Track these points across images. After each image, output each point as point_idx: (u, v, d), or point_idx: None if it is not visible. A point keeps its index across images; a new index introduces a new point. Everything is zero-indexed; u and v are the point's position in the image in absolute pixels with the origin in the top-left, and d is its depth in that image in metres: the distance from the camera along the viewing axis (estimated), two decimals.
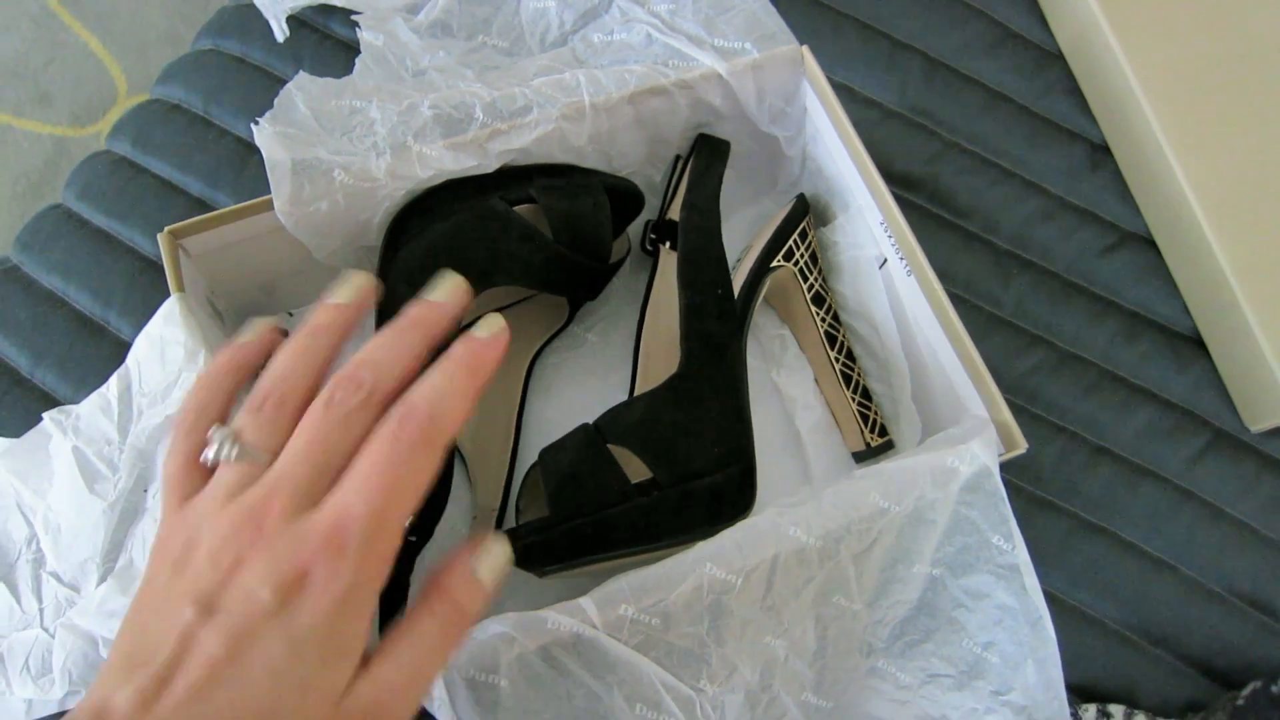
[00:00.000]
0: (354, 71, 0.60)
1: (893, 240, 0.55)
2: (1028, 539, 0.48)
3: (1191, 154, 0.64)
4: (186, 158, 0.67)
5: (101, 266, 0.64)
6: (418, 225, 0.54)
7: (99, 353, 0.62)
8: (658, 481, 0.50)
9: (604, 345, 0.63)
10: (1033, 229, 0.67)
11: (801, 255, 0.60)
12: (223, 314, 0.58)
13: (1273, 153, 0.64)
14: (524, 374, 0.61)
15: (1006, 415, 0.50)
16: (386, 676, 0.34)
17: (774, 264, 0.59)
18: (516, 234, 0.54)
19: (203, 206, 0.66)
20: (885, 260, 0.57)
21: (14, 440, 0.56)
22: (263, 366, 0.38)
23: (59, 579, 0.53)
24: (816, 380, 0.62)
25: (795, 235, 0.60)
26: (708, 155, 0.60)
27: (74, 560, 0.53)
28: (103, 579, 0.52)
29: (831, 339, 0.60)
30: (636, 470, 0.50)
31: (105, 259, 0.65)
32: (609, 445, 0.50)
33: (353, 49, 0.71)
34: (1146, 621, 0.59)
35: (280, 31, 0.70)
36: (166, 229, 0.52)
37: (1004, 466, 0.48)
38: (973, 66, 0.72)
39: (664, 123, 0.59)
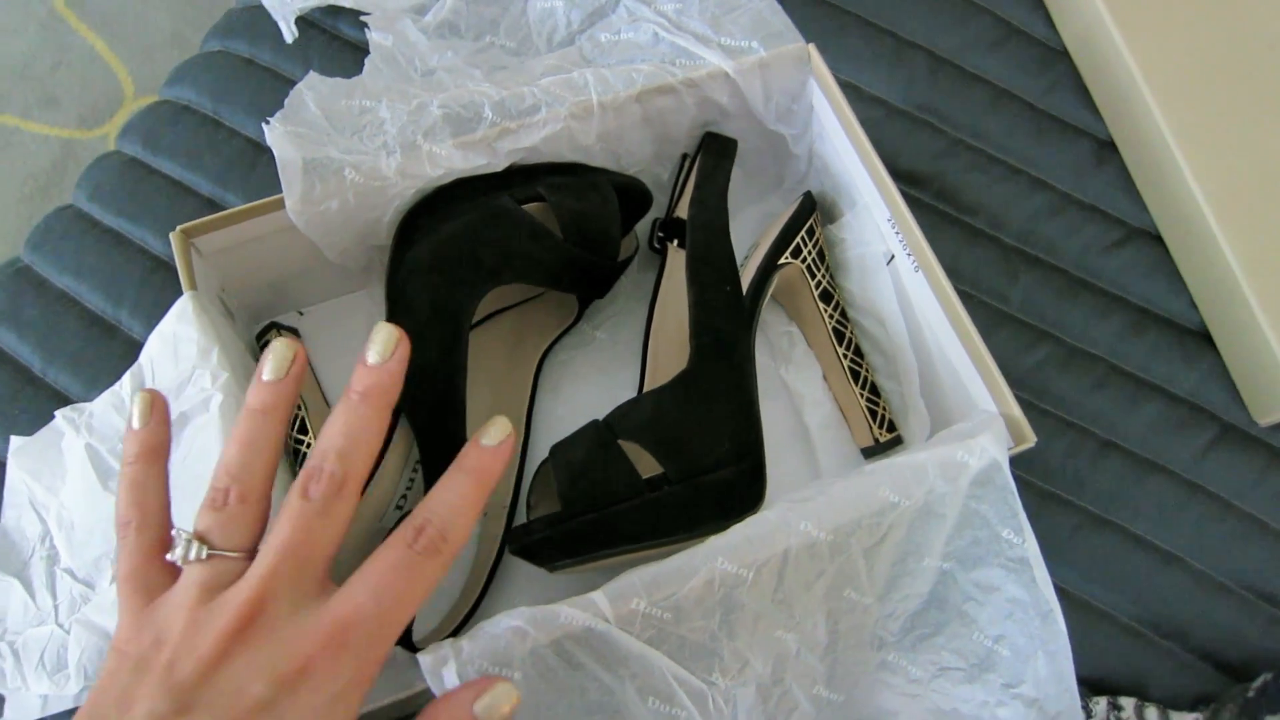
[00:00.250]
0: (363, 72, 0.60)
1: (900, 237, 0.55)
2: (1037, 533, 0.48)
3: (1197, 149, 0.64)
4: (196, 158, 0.68)
5: (113, 266, 0.65)
6: (428, 224, 0.54)
7: (111, 352, 0.62)
8: (668, 476, 0.50)
9: (613, 343, 0.63)
10: (1039, 225, 0.67)
11: (809, 252, 0.60)
12: (233, 313, 0.58)
13: (1279, 147, 0.65)
14: (533, 372, 0.61)
15: (1015, 409, 0.50)
16: None
17: (781, 261, 0.59)
18: (526, 232, 0.54)
19: (213, 206, 0.66)
20: (893, 257, 0.57)
21: (27, 439, 0.57)
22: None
23: (73, 575, 0.54)
24: (825, 377, 0.62)
25: (803, 232, 0.60)
26: (715, 153, 0.60)
27: (88, 557, 0.54)
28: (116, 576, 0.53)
29: (839, 335, 0.60)
30: (647, 466, 0.51)
31: (116, 259, 0.65)
32: (619, 441, 0.51)
33: (361, 50, 0.71)
34: (1156, 615, 0.59)
35: (289, 33, 0.70)
36: (179, 228, 0.52)
37: (1013, 461, 0.48)
38: (978, 64, 0.72)
39: (671, 121, 0.59)
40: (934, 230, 0.54)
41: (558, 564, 0.50)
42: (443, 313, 0.53)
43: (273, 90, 0.70)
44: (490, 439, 0.39)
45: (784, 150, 0.63)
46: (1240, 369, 0.64)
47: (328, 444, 0.36)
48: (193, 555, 0.35)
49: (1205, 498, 0.61)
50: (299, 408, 0.56)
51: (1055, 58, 0.73)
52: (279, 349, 0.38)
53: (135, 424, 0.39)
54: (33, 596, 0.55)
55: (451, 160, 0.53)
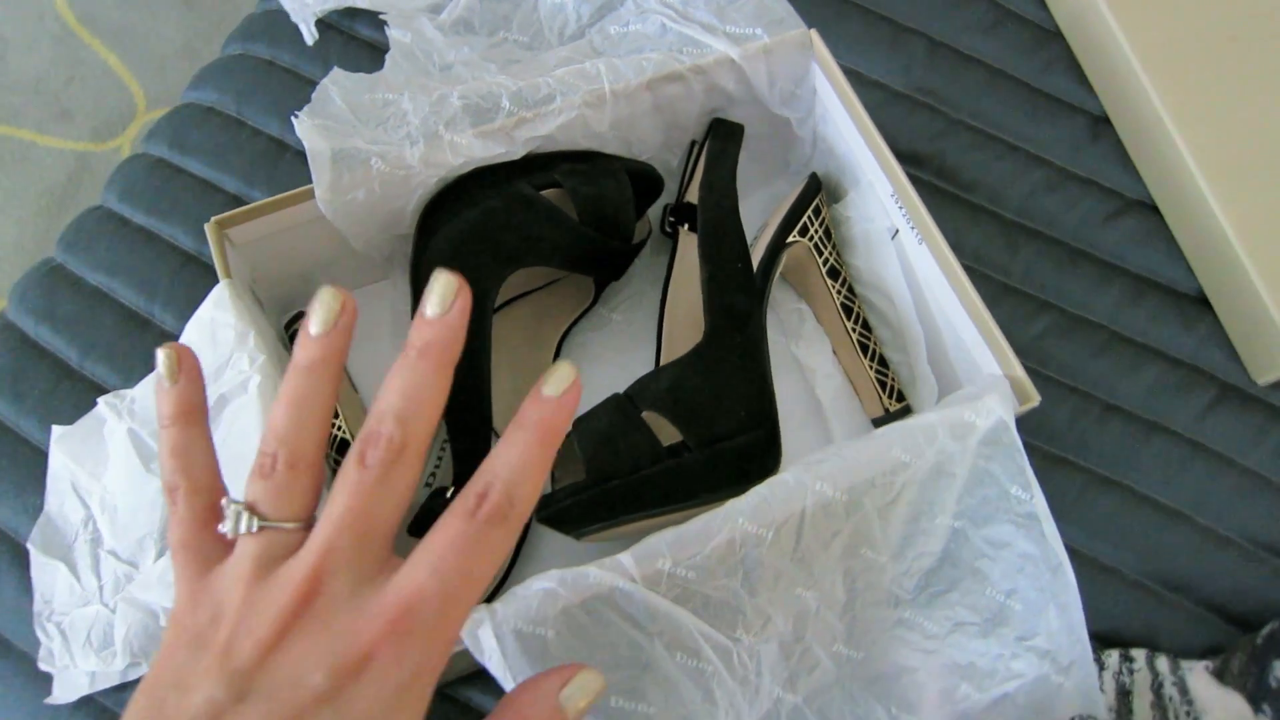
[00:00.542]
0: (385, 67, 0.63)
1: (903, 211, 0.57)
2: (1045, 495, 0.49)
3: (1189, 121, 0.66)
4: (222, 157, 0.70)
5: (144, 262, 0.67)
6: (450, 211, 0.56)
7: (145, 344, 0.64)
8: (687, 444, 0.52)
9: (628, 324, 0.65)
10: (1038, 200, 0.70)
11: (816, 231, 0.62)
12: (263, 302, 0.60)
13: (1269, 115, 0.67)
14: (553, 354, 0.63)
15: (1019, 371, 0.52)
16: None
17: (789, 239, 0.61)
18: (544, 217, 0.56)
19: (239, 203, 0.68)
20: (897, 231, 0.59)
21: (69, 427, 0.59)
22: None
23: (117, 556, 0.56)
24: (834, 351, 0.64)
25: (809, 212, 0.62)
26: (723, 137, 0.62)
27: (132, 537, 0.56)
28: (161, 554, 0.55)
29: (848, 310, 0.63)
30: (667, 435, 0.53)
31: (148, 255, 0.67)
32: (640, 411, 0.53)
33: (377, 49, 0.74)
34: (1164, 570, 0.61)
35: (310, 35, 0.73)
36: (213, 219, 0.54)
37: (1019, 425, 0.50)
38: (974, 46, 0.75)
39: (680, 108, 0.61)
40: (936, 208, 0.56)
41: (584, 530, 0.52)
42: None
43: (294, 90, 0.73)
44: (552, 388, 0.34)
45: (789, 134, 0.65)
46: (1238, 331, 0.66)
47: (385, 406, 0.33)
48: (243, 528, 0.33)
49: (1207, 456, 0.63)
50: None
51: (1048, 38, 0.75)
52: (326, 298, 0.35)
53: (165, 382, 0.36)
54: (78, 578, 0.57)
55: (472, 149, 0.55)
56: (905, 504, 0.50)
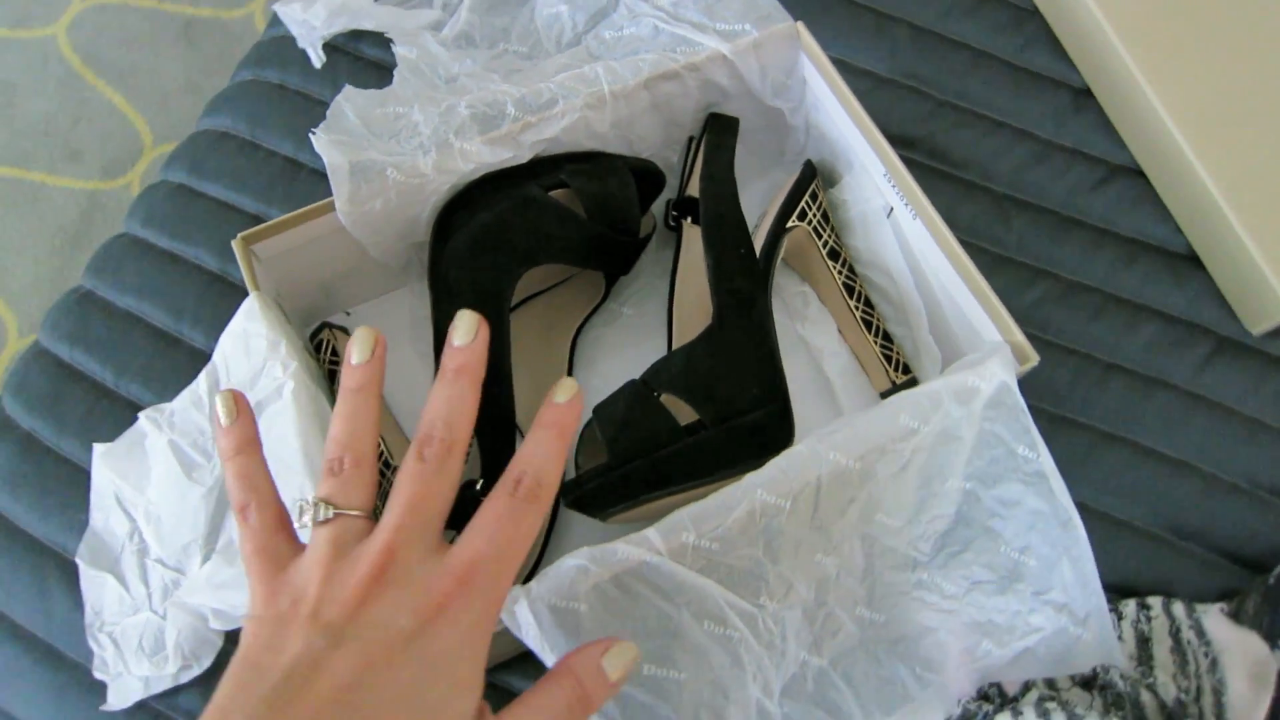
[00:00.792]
0: (393, 82, 0.65)
1: (896, 189, 0.60)
2: (1053, 455, 0.51)
3: (1167, 86, 0.68)
4: (239, 179, 0.73)
5: (171, 283, 0.70)
6: (463, 216, 0.59)
7: (177, 361, 0.67)
8: (704, 422, 0.54)
9: (639, 317, 0.68)
10: (1026, 172, 0.72)
11: (814, 215, 0.65)
12: (288, 315, 0.63)
13: (1243, 73, 0.69)
14: (568, 350, 0.66)
15: (1017, 334, 0.54)
16: None
17: (789, 224, 0.64)
18: (554, 216, 0.59)
19: (258, 222, 0.70)
20: (892, 209, 0.61)
21: (111, 443, 0.61)
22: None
23: (164, 564, 0.58)
24: (840, 330, 0.66)
25: (806, 197, 0.65)
26: (719, 131, 0.64)
27: (177, 544, 0.58)
28: (206, 558, 0.57)
29: (849, 289, 0.65)
30: (684, 417, 0.55)
31: (174, 276, 0.70)
32: (657, 394, 0.55)
33: (383, 68, 0.76)
34: (1173, 519, 0.62)
35: (317, 58, 0.75)
36: (240, 235, 0.57)
37: (1023, 389, 0.52)
38: (956, 30, 0.77)
39: (677, 105, 0.64)
40: (929, 187, 0.58)
41: (610, 511, 0.54)
42: (485, 295, 0.58)
43: (305, 112, 0.75)
44: (562, 396, 0.43)
45: (782, 124, 0.67)
46: (1229, 285, 0.68)
47: (434, 414, 0.41)
48: (320, 516, 0.39)
49: (1208, 406, 0.65)
50: None
51: (1026, 17, 0.78)
52: (362, 336, 0.43)
53: (224, 421, 0.43)
54: (126, 588, 0.59)
55: (481, 155, 0.58)
56: (916, 469, 0.52)
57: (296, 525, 0.41)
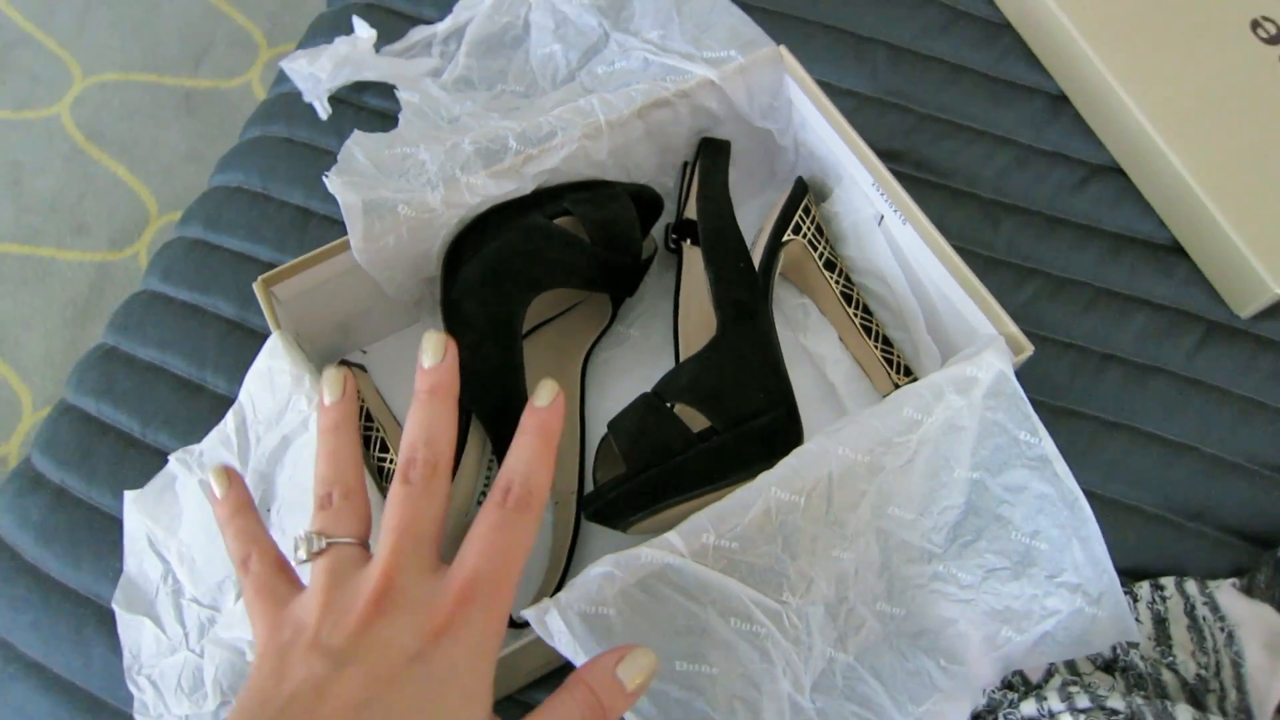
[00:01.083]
0: (399, 125, 0.68)
1: (885, 196, 0.62)
2: (1057, 445, 0.53)
3: (1140, 86, 0.71)
4: (254, 230, 0.76)
5: (192, 334, 0.72)
6: (472, 248, 0.61)
7: (201, 407, 0.69)
8: (715, 428, 0.56)
9: (645, 338, 0.70)
10: (1010, 177, 0.75)
11: (808, 228, 0.67)
12: (308, 354, 0.65)
13: (1210, 67, 0.72)
14: (579, 374, 0.68)
15: (1011, 326, 0.56)
16: None
17: (785, 238, 0.66)
18: (559, 243, 0.61)
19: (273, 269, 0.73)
20: (882, 217, 0.64)
21: (141, 489, 0.63)
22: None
23: (199, 602, 0.59)
24: (840, 338, 0.68)
25: (800, 211, 0.67)
26: (712, 154, 0.67)
27: (211, 582, 0.59)
28: (240, 595, 0.58)
29: (847, 298, 0.67)
30: (696, 424, 0.57)
31: (194, 326, 0.72)
32: (669, 404, 0.57)
33: (387, 116, 0.79)
34: (1180, 501, 0.64)
35: (324, 110, 0.79)
36: (260, 278, 0.59)
37: (1023, 383, 0.54)
38: (932, 47, 0.80)
39: (670, 132, 0.67)
40: (918, 196, 0.60)
41: (630, 521, 0.56)
42: (496, 322, 0.60)
43: (313, 162, 0.78)
44: (543, 400, 0.43)
45: (772, 144, 0.70)
46: (1214, 271, 0.70)
47: (414, 437, 0.42)
48: (315, 547, 0.40)
49: (1204, 389, 0.67)
50: (378, 429, 0.63)
51: (1000, 31, 0.81)
52: (330, 376, 0.45)
53: (218, 493, 0.45)
54: (163, 629, 0.60)
55: (486, 188, 0.60)
56: (923, 461, 0.54)
57: (294, 560, 0.42)
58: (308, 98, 0.79)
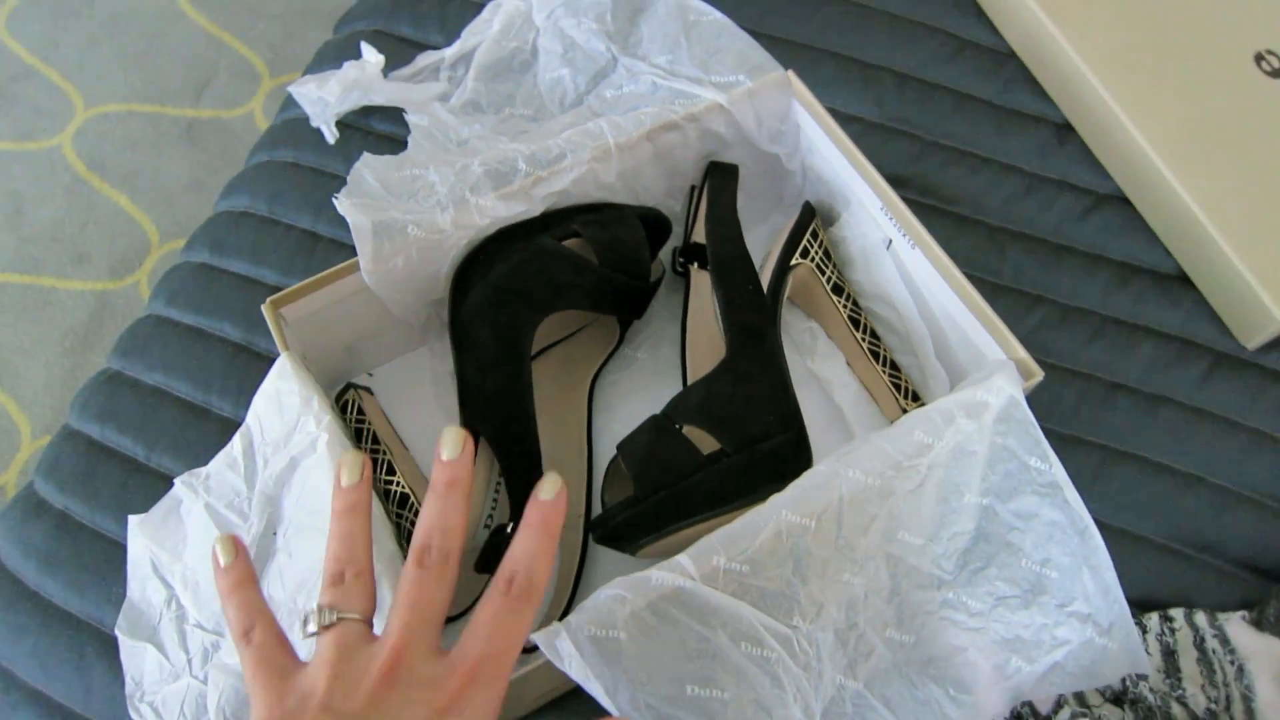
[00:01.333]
0: (408, 148, 0.68)
1: (893, 221, 0.62)
2: (1066, 473, 0.53)
3: (1145, 115, 0.72)
4: (260, 254, 0.76)
5: (198, 358, 0.72)
6: (481, 269, 0.61)
7: (206, 431, 0.69)
8: (725, 450, 0.56)
9: (652, 361, 0.70)
10: (1016, 205, 0.75)
11: (816, 252, 0.67)
12: (314, 376, 0.64)
13: (1214, 98, 0.73)
14: (586, 396, 0.67)
15: (1020, 351, 0.56)
16: None
17: (793, 262, 0.66)
18: (569, 264, 0.61)
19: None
20: (890, 241, 0.64)
21: (145, 514, 0.62)
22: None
23: (203, 628, 0.59)
24: (848, 362, 0.68)
25: (807, 236, 0.67)
26: (720, 177, 0.67)
27: (215, 608, 0.59)
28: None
29: (855, 322, 0.67)
30: (704, 446, 0.56)
31: (200, 350, 0.72)
32: (678, 427, 0.57)
33: (394, 141, 0.79)
34: (1188, 532, 0.64)
35: (331, 135, 0.79)
36: (268, 300, 0.59)
37: (1031, 410, 0.54)
38: (938, 75, 0.81)
39: (678, 155, 0.67)
40: (924, 222, 0.61)
41: (640, 543, 0.56)
42: (505, 344, 0.60)
43: (320, 186, 0.78)
44: (547, 494, 0.46)
45: (779, 169, 0.70)
46: (1221, 302, 0.70)
47: (430, 524, 0.45)
48: (326, 620, 0.43)
49: (1212, 420, 0.67)
50: (384, 452, 0.62)
51: (1004, 60, 0.82)
52: (349, 460, 0.48)
53: (223, 562, 0.47)
54: (166, 656, 0.60)
55: (495, 210, 0.60)
56: (933, 485, 0.53)
57: (301, 635, 0.44)
58: (315, 122, 0.80)
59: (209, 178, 1.55)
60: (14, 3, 1.76)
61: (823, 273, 0.67)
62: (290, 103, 0.85)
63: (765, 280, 0.65)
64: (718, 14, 0.73)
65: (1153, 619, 0.61)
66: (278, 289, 0.73)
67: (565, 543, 0.62)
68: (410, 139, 0.70)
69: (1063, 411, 0.67)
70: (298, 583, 0.54)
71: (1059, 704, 0.59)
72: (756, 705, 0.49)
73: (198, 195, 1.53)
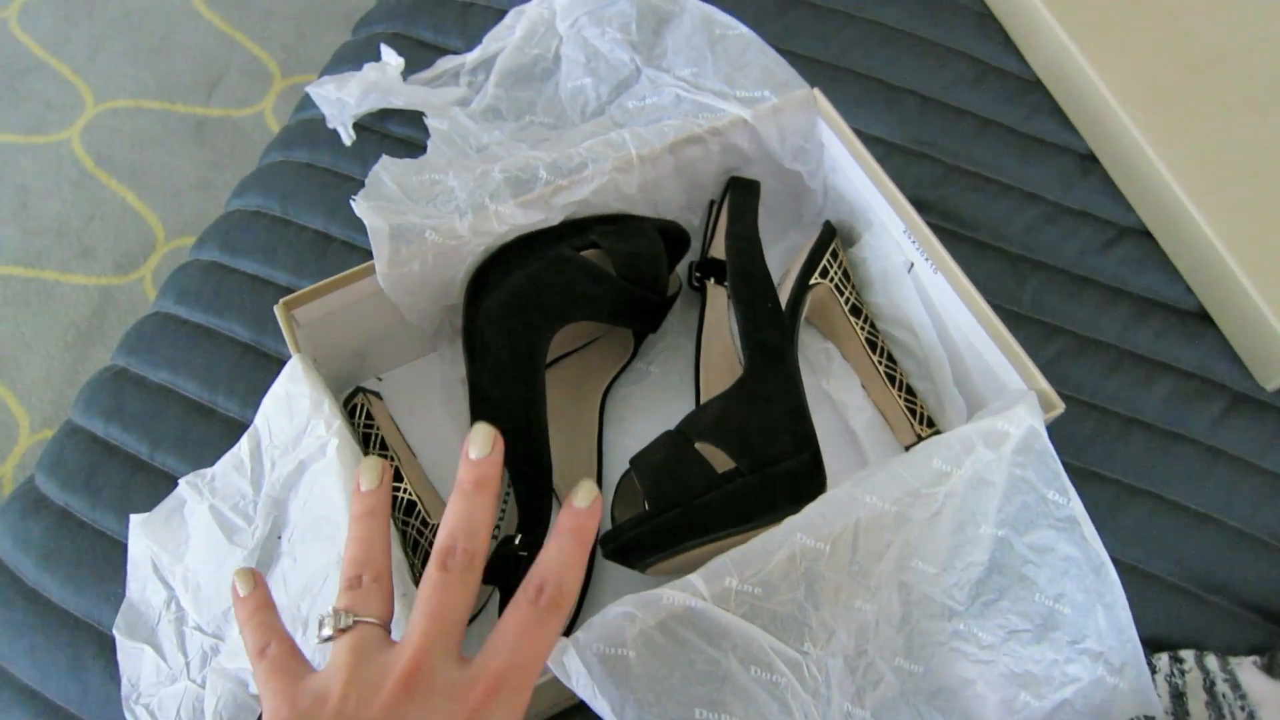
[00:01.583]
0: (427, 152, 0.68)
1: (917, 245, 0.61)
2: None
3: (1171, 149, 0.71)
4: (271, 254, 0.75)
5: (205, 357, 0.71)
6: (498, 276, 0.60)
7: (212, 431, 0.68)
8: (740, 470, 0.55)
9: (665, 375, 0.69)
10: (1037, 233, 0.74)
11: (835, 273, 0.66)
12: (324, 379, 0.64)
13: (1244, 134, 0.72)
14: (598, 409, 0.67)
15: (1042, 382, 0.56)
16: None
17: (812, 282, 0.65)
18: (586, 275, 0.61)
19: (290, 294, 0.72)
20: (912, 265, 0.63)
21: (148, 513, 0.62)
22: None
23: (202, 630, 0.58)
24: (863, 385, 0.68)
25: (827, 255, 0.66)
26: (742, 192, 0.67)
27: (216, 610, 0.58)
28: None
29: (872, 345, 0.66)
30: (718, 463, 0.56)
31: (208, 350, 0.71)
32: (692, 443, 0.56)
33: (410, 144, 0.79)
34: (1201, 573, 0.63)
35: (348, 137, 0.78)
36: (281, 300, 0.58)
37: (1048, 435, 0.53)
38: (962, 99, 0.81)
39: (700, 169, 0.66)
40: (944, 246, 0.61)
41: (649, 560, 0.55)
42: (519, 353, 0.59)
43: (335, 187, 0.78)
44: (582, 501, 0.44)
45: (800, 187, 0.70)
46: (1241, 342, 0.69)
47: (456, 525, 0.43)
48: (342, 624, 0.41)
49: (1228, 461, 0.66)
50: (392, 458, 0.62)
51: (1029, 87, 0.81)
52: (370, 465, 0.46)
53: (242, 592, 0.46)
54: (164, 658, 0.59)
55: (514, 217, 0.60)
56: (950, 514, 0.53)
57: (316, 638, 0.43)
58: (332, 123, 0.79)
59: (217, 176, 1.54)
60: None
61: (841, 293, 0.66)
62: (306, 103, 0.84)
63: (784, 299, 0.64)
64: (744, 28, 0.72)
65: (1162, 659, 0.60)
66: (289, 290, 0.72)
67: None
68: (430, 143, 0.69)
69: (1077, 444, 0.66)
70: (302, 588, 0.54)
71: None
72: None
73: (205, 193, 1.53)
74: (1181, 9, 0.77)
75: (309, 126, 0.82)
